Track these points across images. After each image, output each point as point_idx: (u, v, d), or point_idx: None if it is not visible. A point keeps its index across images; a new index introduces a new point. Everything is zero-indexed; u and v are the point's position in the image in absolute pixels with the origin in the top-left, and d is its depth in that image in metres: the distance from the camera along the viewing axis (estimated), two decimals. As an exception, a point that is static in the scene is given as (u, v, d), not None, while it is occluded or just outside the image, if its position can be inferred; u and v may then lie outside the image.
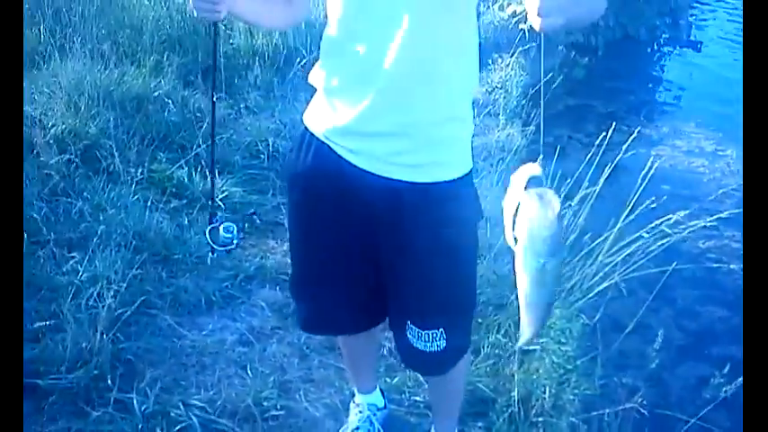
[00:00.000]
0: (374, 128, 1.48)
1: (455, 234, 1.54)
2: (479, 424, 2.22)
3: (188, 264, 2.76)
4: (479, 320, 2.52)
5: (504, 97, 4.63)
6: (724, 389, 2.28)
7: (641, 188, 2.69)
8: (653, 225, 2.60)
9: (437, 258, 1.55)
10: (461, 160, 1.55)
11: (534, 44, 4.97)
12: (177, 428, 2.09)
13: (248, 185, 3.30)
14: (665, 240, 2.61)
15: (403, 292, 1.64)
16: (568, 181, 2.89)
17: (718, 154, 4.89)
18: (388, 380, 2.32)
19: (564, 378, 2.39)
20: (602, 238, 2.69)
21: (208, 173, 3.07)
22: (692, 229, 2.66)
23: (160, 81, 3.93)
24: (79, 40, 3.99)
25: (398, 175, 1.50)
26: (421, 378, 2.24)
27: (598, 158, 2.95)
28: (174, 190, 3.18)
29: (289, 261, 1.98)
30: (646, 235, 2.64)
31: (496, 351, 2.46)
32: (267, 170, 3.45)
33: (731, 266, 3.37)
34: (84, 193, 3.02)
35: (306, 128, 1.61)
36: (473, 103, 1.58)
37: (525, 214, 1.07)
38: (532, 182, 1.09)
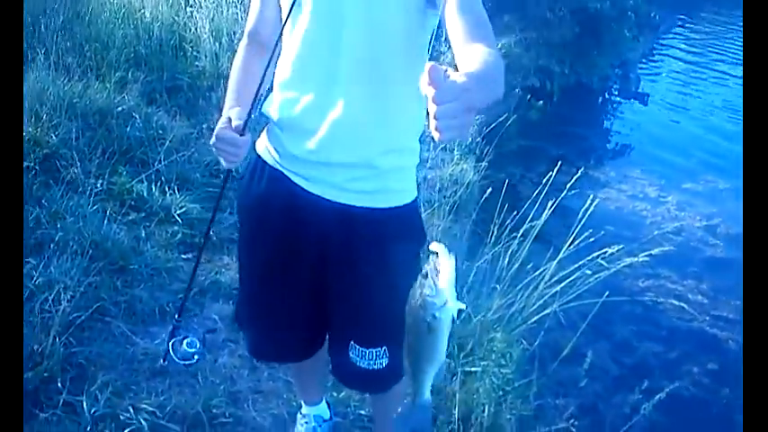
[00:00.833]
0: (329, 158, 1.53)
1: (401, 257, 1.58)
2: (421, 439, 2.31)
3: (143, 275, 2.81)
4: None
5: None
6: (643, 407, 2.42)
7: (581, 224, 2.86)
8: (590, 258, 2.76)
9: (383, 279, 1.58)
10: (410, 187, 1.65)
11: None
12: (126, 431, 2.12)
13: (206, 203, 3.35)
14: (601, 273, 2.76)
15: (347, 313, 1.68)
16: (515, 214, 3.05)
17: (660, 200, 5.17)
18: (335, 393, 2.38)
19: (502, 399, 2.49)
20: (542, 270, 2.83)
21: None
22: (626, 263, 2.82)
23: (124, 96, 3.98)
24: (43, 51, 4.02)
25: (353, 201, 1.57)
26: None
27: (543, 196, 3.10)
28: (132, 203, 3.22)
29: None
30: (588, 272, 2.79)
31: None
32: (225, 189, 3.50)
33: (668, 302, 3.59)
34: (43, 201, 3.03)
35: (258, 155, 1.67)
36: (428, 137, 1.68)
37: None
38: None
